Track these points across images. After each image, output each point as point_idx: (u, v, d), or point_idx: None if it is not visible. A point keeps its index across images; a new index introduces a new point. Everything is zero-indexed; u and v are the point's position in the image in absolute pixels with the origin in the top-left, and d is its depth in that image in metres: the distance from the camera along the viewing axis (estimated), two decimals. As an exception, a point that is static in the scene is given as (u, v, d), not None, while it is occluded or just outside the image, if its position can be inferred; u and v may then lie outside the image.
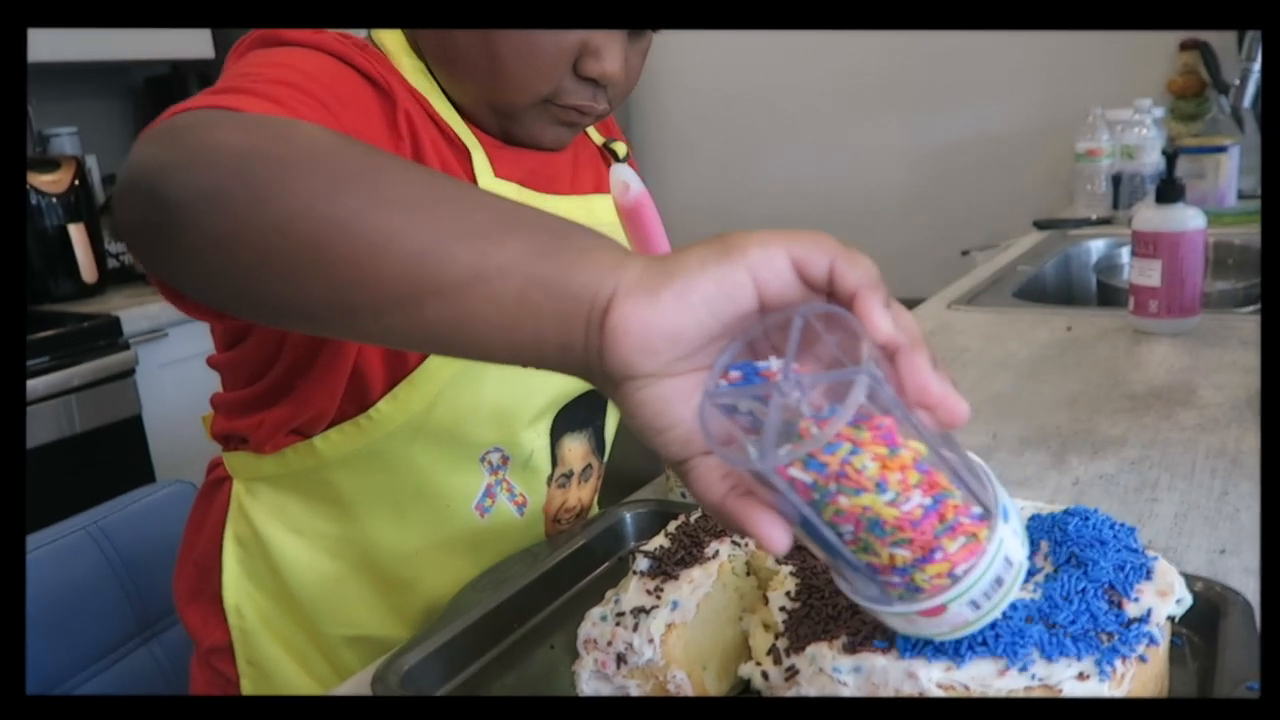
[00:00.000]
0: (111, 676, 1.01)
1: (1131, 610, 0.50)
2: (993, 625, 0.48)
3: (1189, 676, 0.56)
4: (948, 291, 1.63)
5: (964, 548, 0.42)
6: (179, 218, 0.46)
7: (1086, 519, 0.56)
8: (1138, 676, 0.48)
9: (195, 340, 2.06)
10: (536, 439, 0.81)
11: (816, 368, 0.43)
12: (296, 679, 0.83)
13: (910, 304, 1.65)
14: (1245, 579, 0.68)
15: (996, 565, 0.43)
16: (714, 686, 0.59)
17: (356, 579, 0.81)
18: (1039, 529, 0.58)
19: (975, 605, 0.43)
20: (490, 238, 0.43)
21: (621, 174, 0.81)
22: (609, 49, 0.71)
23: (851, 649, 0.50)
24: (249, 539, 0.81)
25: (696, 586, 0.59)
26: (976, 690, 0.47)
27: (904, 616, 0.44)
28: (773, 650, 0.55)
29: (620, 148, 0.90)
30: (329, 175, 0.45)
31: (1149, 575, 0.53)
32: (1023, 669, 0.47)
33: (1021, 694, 0.47)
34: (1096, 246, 1.96)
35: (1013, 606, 0.50)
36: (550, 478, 0.84)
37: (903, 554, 0.42)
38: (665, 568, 0.61)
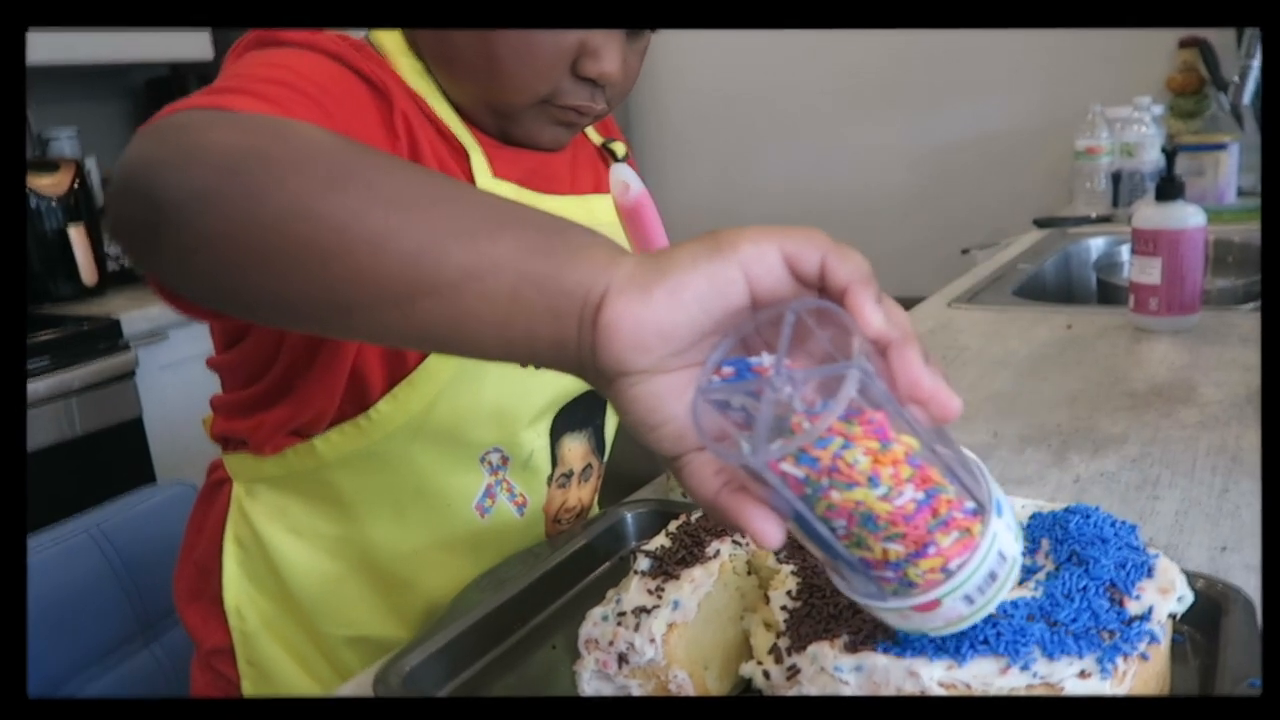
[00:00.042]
0: (113, 678, 1.01)
1: (1133, 608, 0.50)
2: (994, 624, 0.48)
3: (1190, 674, 0.56)
4: (948, 290, 1.63)
5: (957, 542, 0.42)
6: (173, 217, 0.46)
7: (1087, 517, 0.56)
8: (1139, 674, 0.48)
9: (196, 342, 2.06)
10: (536, 439, 0.81)
11: (809, 363, 0.43)
12: (297, 680, 0.83)
13: (911, 302, 1.66)
14: (1246, 576, 0.67)
15: (990, 560, 0.43)
16: (715, 686, 0.59)
17: (357, 579, 0.81)
18: (1040, 527, 0.58)
19: (969, 600, 0.44)
20: (484, 236, 0.43)
21: (621, 174, 0.81)
22: (607, 49, 0.71)
23: (853, 648, 0.50)
24: (249, 540, 0.81)
25: (698, 586, 0.59)
26: (978, 689, 0.47)
27: (898, 612, 0.44)
28: (774, 649, 0.55)
29: (619, 148, 0.90)
30: (323, 174, 0.45)
31: (1150, 573, 0.53)
32: (1024, 667, 0.47)
33: (1023, 692, 0.46)
34: (1096, 244, 1.96)
35: (1014, 604, 0.50)
36: (550, 478, 0.84)
37: (896, 549, 0.42)
38: (666, 567, 0.61)
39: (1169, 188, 1.24)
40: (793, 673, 0.52)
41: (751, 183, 3.21)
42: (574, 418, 0.84)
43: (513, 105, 0.74)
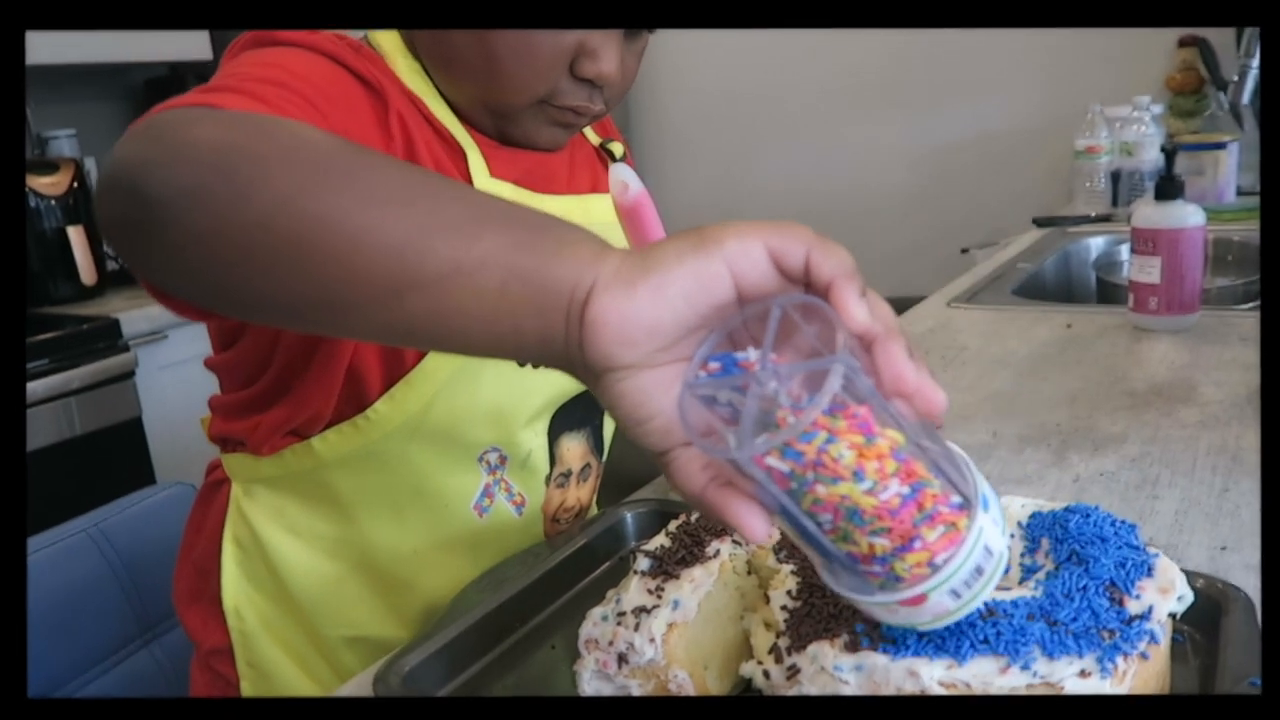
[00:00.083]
0: (112, 679, 1.01)
1: (1133, 607, 0.50)
2: (994, 623, 0.48)
3: (1190, 673, 0.56)
4: (948, 289, 1.63)
5: (943, 537, 0.42)
6: (160, 215, 0.46)
7: (1087, 516, 0.56)
8: (1139, 674, 0.48)
9: (195, 342, 2.06)
10: (534, 438, 0.81)
11: (796, 358, 0.43)
12: (296, 680, 0.83)
13: (910, 302, 1.66)
14: (1246, 575, 0.67)
15: (976, 554, 0.43)
16: (715, 686, 0.59)
17: (355, 580, 0.81)
18: (1040, 526, 0.58)
19: (956, 594, 0.44)
20: (469, 231, 0.43)
21: (621, 173, 0.81)
22: (605, 50, 0.71)
23: (853, 647, 0.50)
24: (248, 541, 0.81)
25: (698, 586, 0.59)
26: (978, 688, 0.47)
27: (885, 606, 0.45)
28: (774, 649, 0.55)
29: (617, 148, 0.90)
30: (310, 170, 0.45)
31: (1150, 572, 0.53)
32: (1024, 667, 0.47)
33: (1023, 692, 0.46)
34: (1096, 244, 1.96)
35: (1014, 604, 0.50)
36: (549, 477, 0.84)
37: (882, 543, 0.42)
38: (666, 567, 0.61)
39: (1168, 187, 1.24)
40: (793, 672, 0.52)
41: (751, 183, 3.21)
42: (572, 417, 0.84)
43: (511, 105, 0.74)
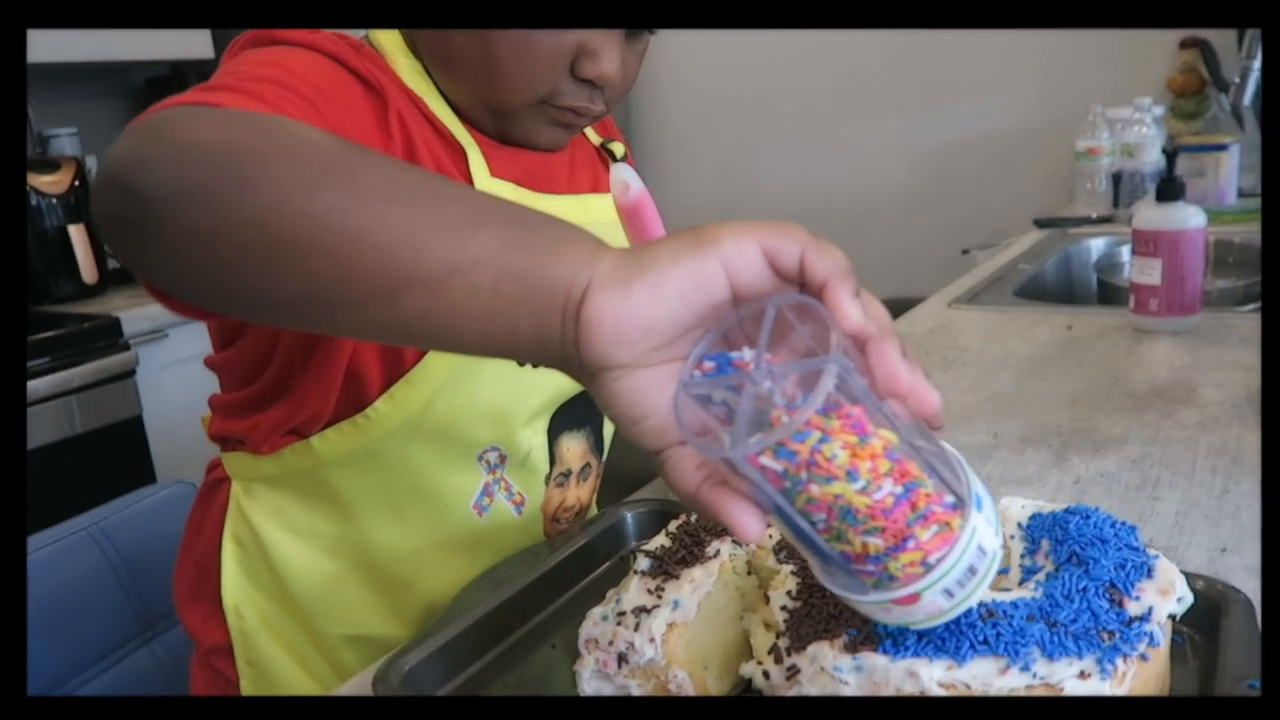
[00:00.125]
0: (112, 677, 1.01)
1: (1133, 609, 0.50)
2: (994, 624, 0.48)
3: (1190, 675, 0.56)
4: (948, 290, 1.63)
5: (936, 536, 0.43)
6: (156, 212, 0.46)
7: (1087, 517, 0.56)
8: (1139, 675, 0.48)
9: (195, 341, 2.06)
10: (534, 437, 0.81)
11: (791, 358, 0.43)
12: (296, 679, 0.83)
13: (911, 303, 1.66)
14: (1246, 577, 0.67)
15: (970, 554, 0.43)
16: (715, 686, 0.59)
17: (355, 579, 0.81)
18: (1040, 528, 0.58)
19: (949, 594, 0.44)
20: (465, 230, 0.43)
21: (622, 173, 0.81)
22: (606, 50, 0.71)
23: (853, 648, 0.50)
24: (248, 539, 0.81)
25: (698, 586, 0.59)
26: (978, 689, 0.47)
27: (879, 605, 0.45)
28: (774, 649, 0.55)
29: (618, 148, 0.90)
30: (306, 169, 0.45)
31: (1150, 574, 0.53)
32: (1024, 668, 0.47)
33: (1023, 693, 0.47)
34: (1097, 245, 1.96)
35: (1014, 605, 0.50)
36: (548, 476, 0.84)
37: (875, 542, 0.42)
38: (666, 567, 0.61)
39: (1169, 188, 1.24)
40: (792, 673, 0.52)
41: (751, 183, 3.21)
42: (572, 417, 0.84)
43: (511, 105, 0.74)
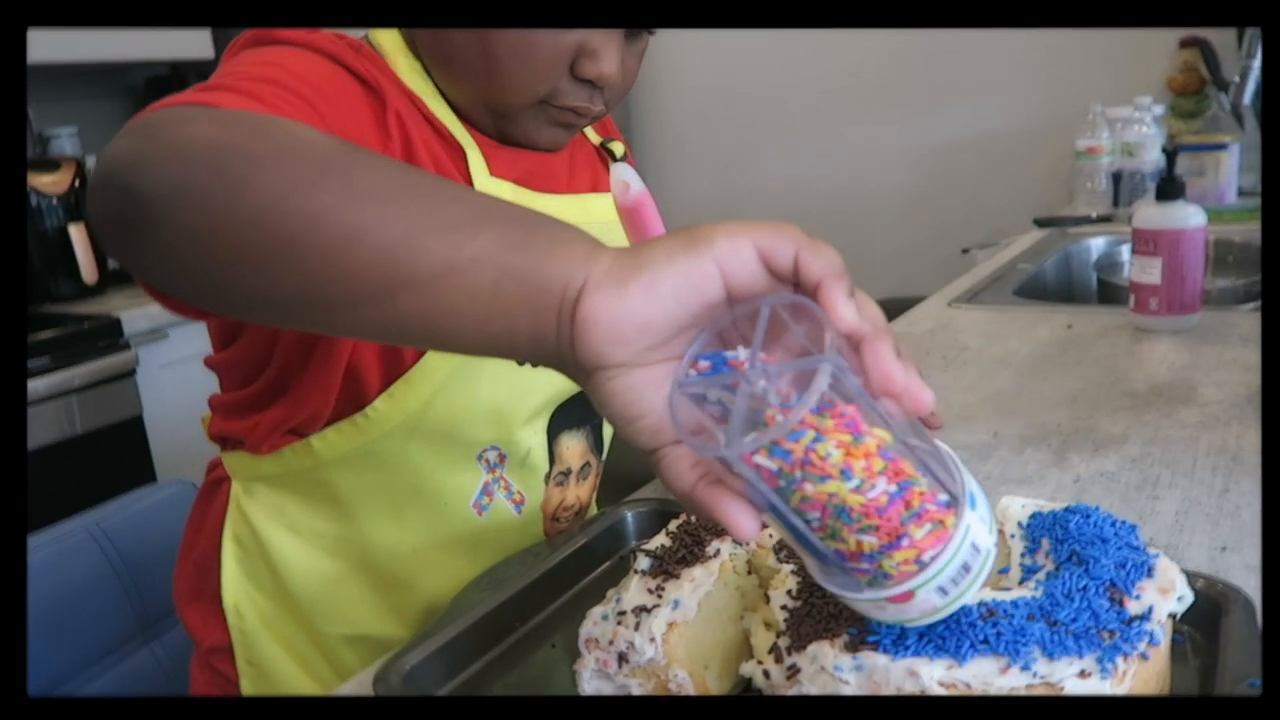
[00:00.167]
0: (113, 677, 1.01)
1: (1133, 608, 0.50)
2: (994, 624, 0.48)
3: (1190, 674, 0.56)
4: (948, 289, 1.63)
5: (930, 534, 0.43)
6: (152, 212, 0.46)
7: (1088, 516, 0.56)
8: (1139, 674, 0.48)
9: (196, 341, 2.06)
10: (533, 437, 0.81)
11: (785, 357, 0.43)
12: (296, 679, 0.83)
13: (911, 302, 1.66)
14: (1246, 576, 0.67)
15: (964, 552, 0.43)
16: (715, 685, 0.59)
17: (355, 578, 0.81)
18: (1040, 527, 0.58)
19: (943, 591, 0.44)
20: (463, 230, 0.43)
21: (622, 173, 0.81)
22: (606, 50, 0.71)
23: (853, 647, 0.50)
24: (248, 539, 0.81)
25: (698, 585, 0.59)
26: (978, 688, 0.47)
27: (874, 603, 0.45)
28: (774, 649, 0.55)
29: (618, 147, 0.90)
30: (303, 169, 0.45)
31: (1150, 573, 0.53)
32: (1024, 667, 0.47)
33: (1023, 692, 0.46)
34: (1097, 244, 1.96)
35: (1014, 604, 0.50)
36: (548, 476, 0.84)
37: (870, 540, 0.42)
38: (666, 566, 0.61)
39: (1169, 188, 1.24)
40: (793, 672, 0.52)
41: (751, 183, 3.21)
42: (571, 416, 0.84)
43: (511, 105, 0.74)
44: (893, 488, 0.42)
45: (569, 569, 0.73)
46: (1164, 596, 0.51)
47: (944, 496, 0.44)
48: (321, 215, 0.44)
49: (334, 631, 0.82)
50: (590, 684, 0.59)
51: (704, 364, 0.43)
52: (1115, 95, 2.29)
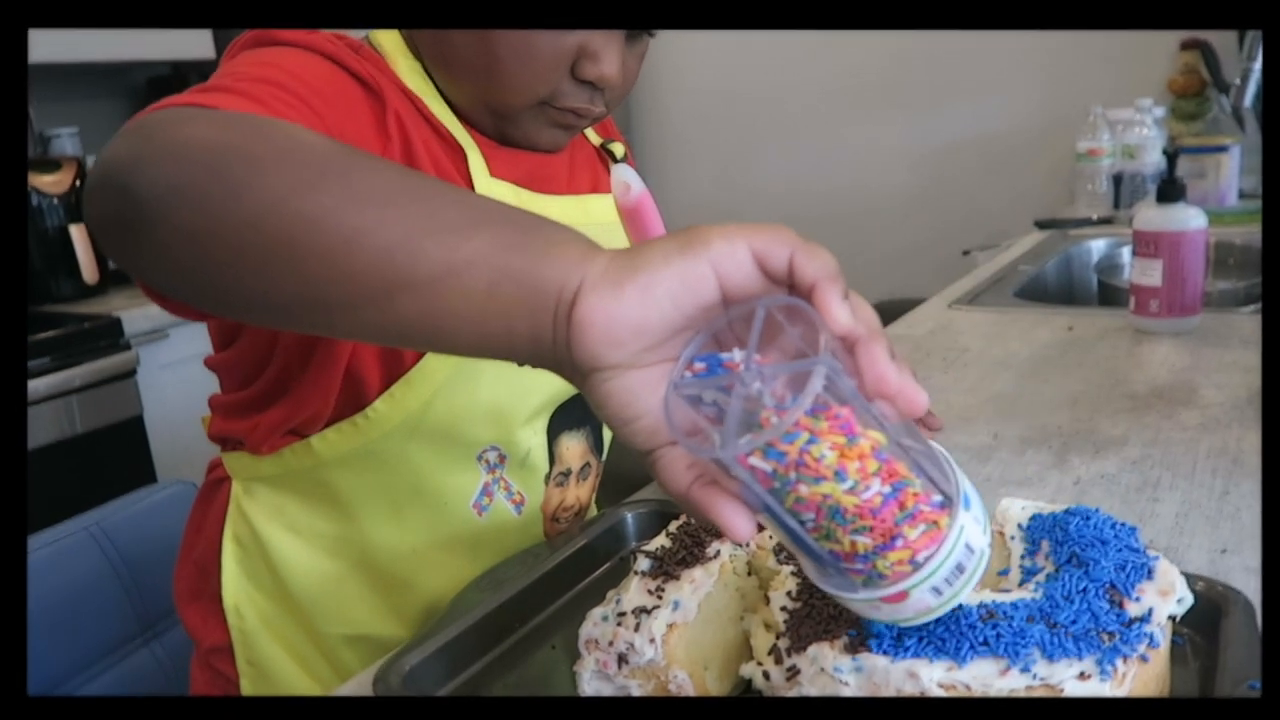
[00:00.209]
0: (113, 677, 1.01)
1: (1133, 610, 0.50)
2: (994, 625, 0.48)
3: (1190, 676, 0.56)
4: (949, 291, 1.63)
5: (925, 535, 0.43)
6: (150, 213, 0.46)
7: (1088, 518, 0.56)
8: (1139, 676, 0.48)
9: (196, 341, 2.06)
10: (533, 437, 0.81)
11: (781, 359, 0.44)
12: (296, 679, 0.83)
13: (911, 304, 1.66)
14: (1246, 578, 0.67)
15: (958, 552, 0.44)
16: (715, 686, 0.59)
17: (355, 578, 0.81)
18: (1040, 529, 0.58)
19: (937, 591, 0.44)
20: (460, 233, 0.43)
21: (623, 174, 0.81)
22: (607, 52, 0.71)
23: (853, 649, 0.50)
24: (248, 539, 0.81)
25: (698, 586, 0.59)
26: (978, 690, 0.47)
27: (868, 603, 0.45)
28: (774, 650, 0.55)
29: (618, 148, 0.90)
30: (301, 171, 0.46)
31: (1150, 575, 0.53)
32: (1024, 669, 0.47)
33: (1023, 694, 0.47)
34: (1097, 246, 1.96)
35: (1014, 606, 0.50)
36: (548, 476, 0.84)
37: (864, 541, 0.43)
38: (666, 567, 0.61)
39: (1170, 190, 1.24)
40: (793, 673, 0.52)
41: (751, 183, 3.21)
42: (571, 416, 0.84)
43: (511, 106, 0.74)
44: (887, 489, 0.42)
45: (569, 570, 0.73)
46: (1164, 598, 0.51)
47: (938, 497, 0.44)
48: (320, 217, 0.44)
49: (334, 631, 0.82)
50: (590, 685, 0.59)
51: (699, 365, 0.43)
52: (1116, 97, 2.29)
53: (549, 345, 0.43)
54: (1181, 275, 1.24)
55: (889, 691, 0.48)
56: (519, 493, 0.83)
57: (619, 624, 0.58)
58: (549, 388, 0.80)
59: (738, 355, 0.42)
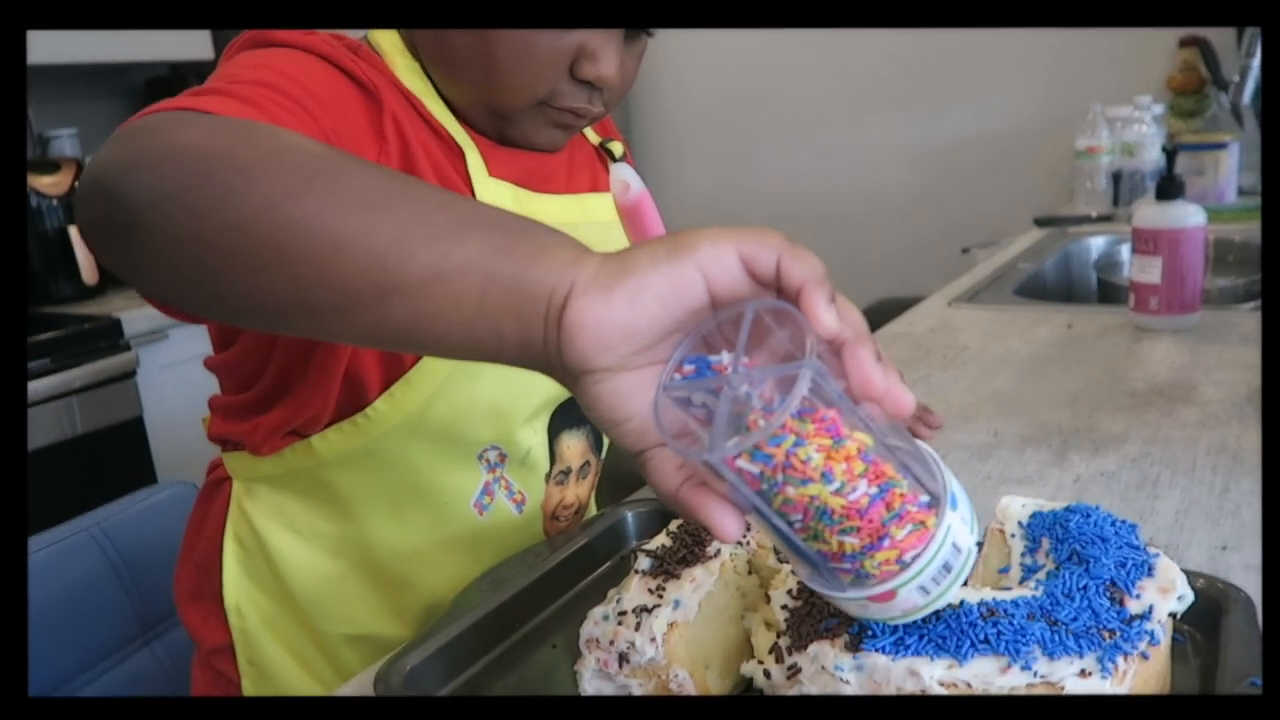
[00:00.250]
0: (113, 678, 1.01)
1: (1133, 607, 0.50)
2: (995, 623, 0.48)
3: (1191, 673, 0.56)
4: (949, 289, 1.63)
5: (911, 535, 0.43)
6: (139, 218, 0.46)
7: (1088, 516, 0.56)
8: (1140, 673, 0.48)
9: (196, 341, 2.06)
10: (534, 436, 0.81)
11: (770, 361, 0.44)
12: (297, 679, 0.83)
13: (911, 302, 1.66)
14: (1247, 575, 0.67)
15: (944, 552, 0.44)
16: (716, 685, 0.59)
17: (356, 578, 0.81)
18: (1040, 526, 0.58)
19: (924, 591, 0.44)
20: (450, 237, 0.44)
21: (622, 173, 0.81)
22: (605, 52, 0.71)
23: (854, 647, 0.50)
24: (248, 539, 0.81)
25: (698, 585, 0.59)
26: (979, 688, 0.47)
27: (856, 602, 0.46)
28: (775, 649, 0.55)
29: (617, 147, 0.90)
30: (291, 176, 0.46)
31: (1150, 572, 0.53)
32: (1025, 667, 0.47)
33: (1024, 691, 0.47)
34: (1097, 244, 1.96)
35: (1014, 604, 0.50)
36: (548, 475, 0.84)
37: (851, 541, 0.43)
38: (667, 566, 0.61)
39: (1169, 187, 1.24)
40: (793, 672, 0.52)
41: (751, 183, 3.21)
42: (571, 415, 0.84)
43: (510, 106, 0.74)
44: (874, 490, 0.42)
45: (569, 569, 0.73)
46: (1164, 596, 0.51)
47: (925, 497, 0.44)
48: (309, 222, 0.44)
49: (335, 631, 0.82)
50: (591, 684, 0.59)
51: (688, 368, 0.43)
52: (1115, 95, 2.29)
53: (539, 348, 0.43)
54: (1181, 272, 1.24)
55: (890, 690, 0.48)
56: (520, 492, 0.83)
57: (620, 623, 0.58)
58: (549, 387, 0.80)
59: (726, 358, 0.43)
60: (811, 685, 0.51)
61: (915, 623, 0.49)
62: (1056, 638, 0.47)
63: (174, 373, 2.07)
